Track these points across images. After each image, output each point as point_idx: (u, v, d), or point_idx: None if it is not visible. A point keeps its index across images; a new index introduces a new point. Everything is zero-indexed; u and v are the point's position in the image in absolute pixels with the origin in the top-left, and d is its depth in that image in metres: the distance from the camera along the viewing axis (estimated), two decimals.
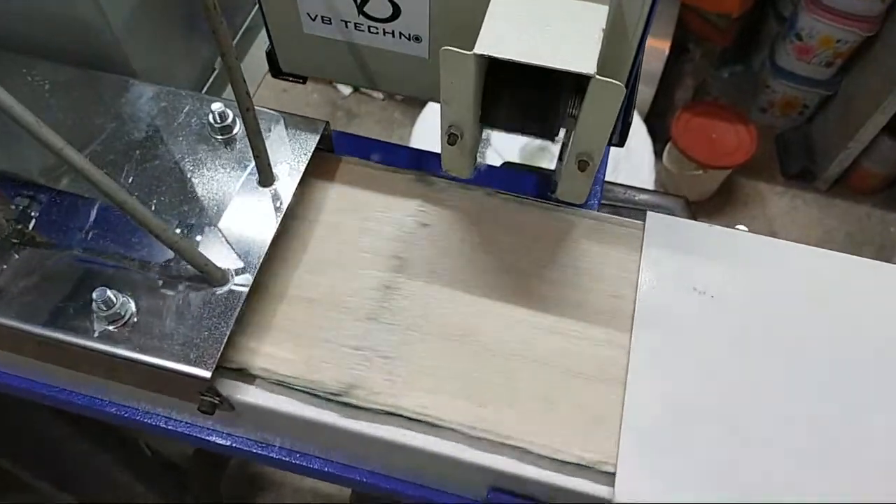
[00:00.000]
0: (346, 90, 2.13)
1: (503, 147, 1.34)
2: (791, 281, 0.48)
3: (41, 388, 0.57)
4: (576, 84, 0.43)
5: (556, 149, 0.59)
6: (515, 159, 1.31)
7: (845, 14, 1.66)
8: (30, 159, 0.54)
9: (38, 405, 0.84)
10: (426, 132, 1.55)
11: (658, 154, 1.87)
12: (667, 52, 1.77)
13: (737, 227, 0.53)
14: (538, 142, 1.33)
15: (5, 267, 0.48)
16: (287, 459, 0.54)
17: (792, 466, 0.42)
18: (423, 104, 1.66)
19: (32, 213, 0.51)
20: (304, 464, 0.54)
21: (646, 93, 1.80)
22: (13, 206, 0.52)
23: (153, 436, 1.08)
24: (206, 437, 0.54)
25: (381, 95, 2.13)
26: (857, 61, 1.79)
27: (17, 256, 0.48)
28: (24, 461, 0.91)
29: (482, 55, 0.40)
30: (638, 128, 1.57)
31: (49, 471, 0.96)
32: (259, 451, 0.54)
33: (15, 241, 0.50)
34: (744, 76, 2.11)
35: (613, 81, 0.39)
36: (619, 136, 0.56)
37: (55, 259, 0.47)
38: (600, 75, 0.39)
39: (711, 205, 1.87)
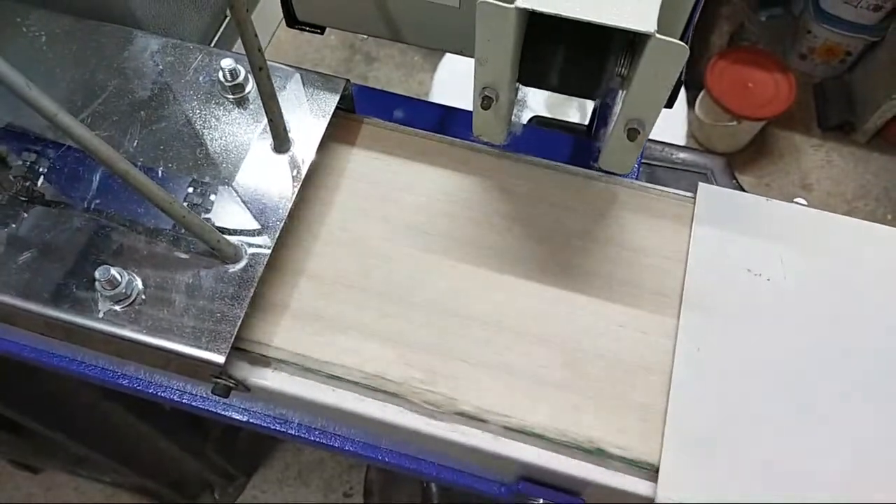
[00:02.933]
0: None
1: (527, 97, 1.28)
2: (857, 263, 0.44)
3: (55, 360, 0.54)
4: (629, 42, 0.38)
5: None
6: (541, 110, 1.24)
7: None
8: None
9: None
10: (449, 78, 1.49)
11: (690, 103, 1.79)
12: None
13: (795, 200, 0.48)
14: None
15: (14, 225, 0.45)
16: (305, 436, 0.52)
17: (844, 471, 0.38)
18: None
19: (40, 170, 0.48)
20: (323, 441, 0.51)
21: None
22: (20, 162, 0.49)
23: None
24: (223, 412, 0.52)
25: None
26: None
27: (25, 215, 0.45)
28: (42, 416, 0.91)
29: (525, 9, 0.35)
30: None
31: (67, 425, 0.95)
32: (277, 428, 0.52)
33: (23, 198, 0.47)
34: (783, 20, 2.00)
35: (677, 42, 0.34)
36: (669, 99, 0.51)
37: (60, 227, 0.44)
38: (660, 34, 0.34)
39: (744, 157, 1.80)
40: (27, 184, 0.48)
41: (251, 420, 0.52)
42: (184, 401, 0.53)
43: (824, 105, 1.86)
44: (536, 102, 1.28)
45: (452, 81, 1.47)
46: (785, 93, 1.66)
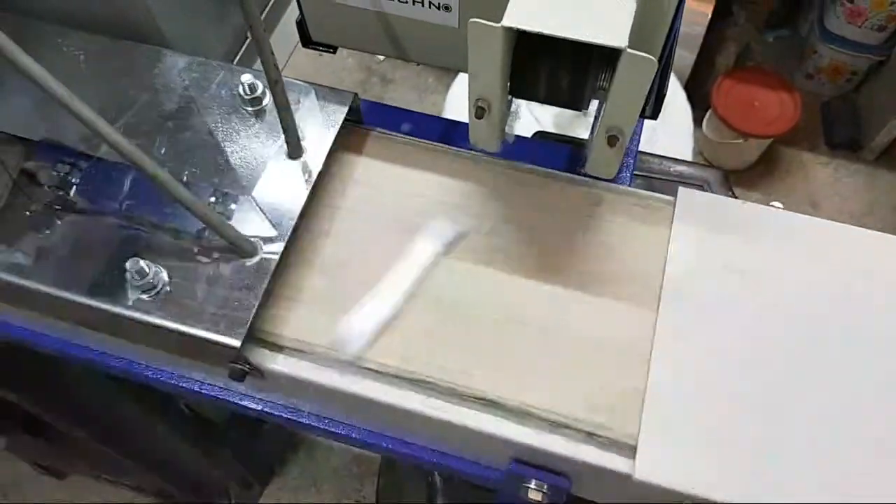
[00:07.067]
0: (380, 55, 2.12)
1: (539, 113, 1.32)
2: (827, 261, 0.47)
3: (82, 353, 0.59)
4: (608, 56, 0.42)
5: (593, 117, 0.58)
6: (550, 126, 1.29)
7: None
8: (70, 127, 0.55)
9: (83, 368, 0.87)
10: (460, 98, 1.54)
11: (697, 122, 1.82)
12: (709, 15, 1.71)
13: (771, 203, 0.52)
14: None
15: (48, 232, 0.49)
16: (316, 425, 0.55)
17: (817, 447, 0.41)
18: (457, 71, 1.65)
19: (73, 180, 0.53)
20: (332, 429, 0.55)
21: (686, 58, 1.74)
22: (54, 173, 0.53)
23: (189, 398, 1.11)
24: (239, 402, 0.56)
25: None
26: None
27: (58, 222, 0.50)
28: (65, 415, 0.95)
29: (510, 27, 0.39)
30: (677, 94, 1.53)
31: (89, 425, 1.00)
32: (289, 416, 0.56)
33: (57, 206, 0.51)
34: (790, 41, 2.03)
35: (645, 55, 0.38)
36: (653, 109, 0.55)
37: (93, 227, 0.49)
38: (632, 48, 0.38)
39: (751, 174, 1.82)
40: (60, 193, 0.52)
41: (265, 409, 0.56)
42: (203, 391, 0.57)
43: (831, 123, 1.88)
44: (545, 119, 1.32)
45: (464, 101, 1.52)
46: (790, 111, 1.70)
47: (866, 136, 1.84)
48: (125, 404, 0.98)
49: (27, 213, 0.50)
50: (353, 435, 0.55)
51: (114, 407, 0.98)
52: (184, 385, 0.57)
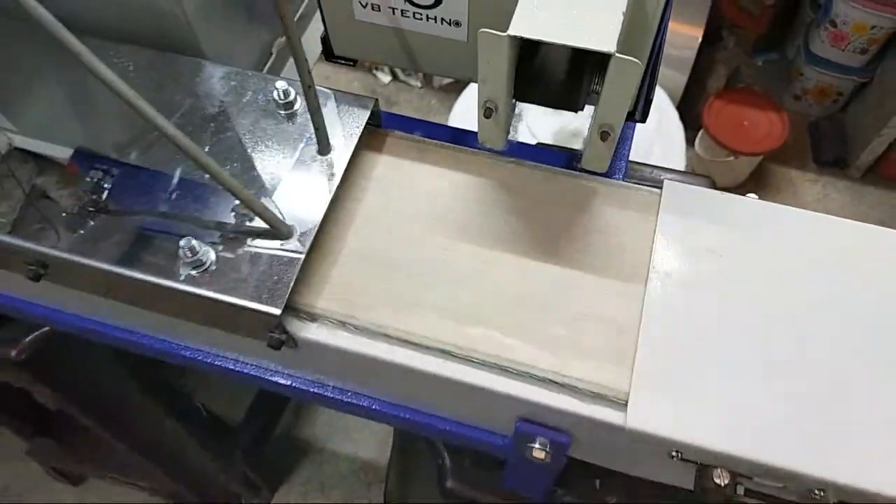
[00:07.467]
0: (385, 78, 2.20)
1: (538, 129, 1.39)
2: (794, 242, 0.53)
3: (125, 335, 0.64)
4: (600, 62, 0.49)
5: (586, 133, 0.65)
6: (549, 141, 1.36)
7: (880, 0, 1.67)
8: (103, 136, 0.61)
9: (114, 362, 0.93)
10: (461, 118, 1.61)
11: (690, 141, 1.90)
12: (699, 39, 1.79)
13: (747, 195, 0.58)
14: (571, 126, 1.38)
15: (82, 232, 0.55)
16: (339, 398, 0.61)
17: (790, 402, 0.47)
18: (458, 93, 1.72)
19: (105, 185, 0.58)
20: (353, 401, 0.61)
21: (678, 80, 1.83)
22: (88, 179, 0.59)
23: (217, 380, 1.16)
24: (270, 378, 0.62)
25: (418, 84, 2.19)
26: (892, 48, 1.79)
27: (92, 223, 0.55)
28: (91, 410, 1.00)
29: (515, 36, 0.46)
30: (670, 114, 1.60)
31: (112, 422, 1.04)
32: (315, 391, 0.61)
33: (91, 209, 0.57)
34: (778, 64, 2.12)
35: (631, 59, 0.44)
36: (642, 113, 0.61)
37: (140, 219, 0.55)
38: (620, 53, 0.45)
39: (742, 191, 1.88)
40: (94, 197, 0.58)
41: (294, 384, 0.62)
42: (237, 369, 0.62)
43: (819, 142, 1.96)
44: (545, 136, 1.39)
45: (465, 121, 1.59)
46: (779, 130, 1.77)
47: (853, 154, 1.91)
48: (146, 400, 1.03)
49: (64, 214, 0.56)
50: (374, 406, 0.61)
51: (134, 402, 1.03)
52: (218, 363, 0.63)
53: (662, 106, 1.58)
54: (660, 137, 1.59)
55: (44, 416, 1.26)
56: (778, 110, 1.81)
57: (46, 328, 0.84)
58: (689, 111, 1.84)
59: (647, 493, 0.74)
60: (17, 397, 1.08)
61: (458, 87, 1.98)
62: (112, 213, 0.56)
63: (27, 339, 0.85)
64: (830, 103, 1.99)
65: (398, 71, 2.21)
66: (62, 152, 0.61)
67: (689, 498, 0.51)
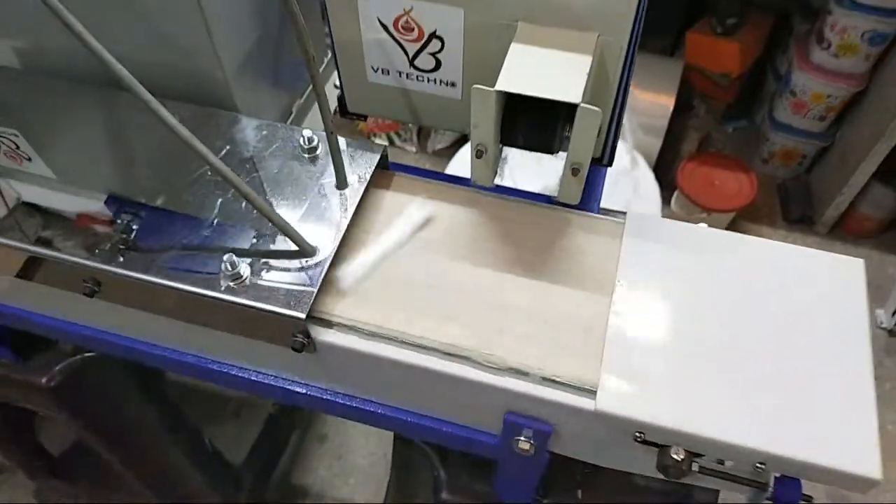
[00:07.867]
0: (381, 143, 2.35)
1: (520, 179, 1.51)
2: (733, 260, 0.64)
3: (154, 350, 0.73)
4: (570, 113, 0.60)
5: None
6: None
7: (833, 72, 1.84)
8: (133, 182, 0.71)
9: (131, 389, 1.00)
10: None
11: (666, 200, 2.03)
12: (671, 108, 1.95)
13: (699, 224, 0.69)
14: (554, 182, 1.50)
15: (111, 265, 0.63)
16: (348, 404, 0.70)
17: (733, 387, 0.56)
18: (450, 157, 1.86)
19: (133, 226, 0.68)
20: (361, 407, 0.69)
21: (653, 145, 1.97)
22: (118, 221, 0.69)
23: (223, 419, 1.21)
24: (288, 387, 0.70)
25: (413, 149, 2.33)
26: (849, 114, 1.95)
27: (121, 259, 0.64)
28: (105, 437, 1.06)
29: (501, 91, 0.57)
30: (646, 176, 1.74)
31: (122, 450, 1.11)
32: (327, 398, 0.70)
33: (121, 246, 0.66)
34: (747, 130, 2.29)
35: (593, 108, 0.56)
36: (609, 158, 0.73)
37: (182, 244, 0.64)
38: (585, 104, 0.56)
39: None
40: (123, 236, 0.68)
41: (308, 392, 0.70)
42: (259, 380, 0.71)
43: (787, 201, 2.10)
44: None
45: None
46: (747, 189, 1.91)
47: (818, 211, 2.05)
48: (162, 432, 1.10)
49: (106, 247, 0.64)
50: (379, 411, 0.69)
51: (149, 433, 1.10)
52: (242, 375, 0.71)
53: (639, 167, 1.72)
54: (637, 198, 1.72)
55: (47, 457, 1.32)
56: (746, 171, 1.95)
57: (77, 357, 0.92)
58: (665, 174, 1.98)
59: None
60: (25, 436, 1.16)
61: (449, 153, 2.12)
62: (139, 250, 0.65)
63: (57, 368, 0.93)
64: (796, 165, 2.14)
65: (394, 137, 2.36)
66: (70, 204, 0.70)
67: None
